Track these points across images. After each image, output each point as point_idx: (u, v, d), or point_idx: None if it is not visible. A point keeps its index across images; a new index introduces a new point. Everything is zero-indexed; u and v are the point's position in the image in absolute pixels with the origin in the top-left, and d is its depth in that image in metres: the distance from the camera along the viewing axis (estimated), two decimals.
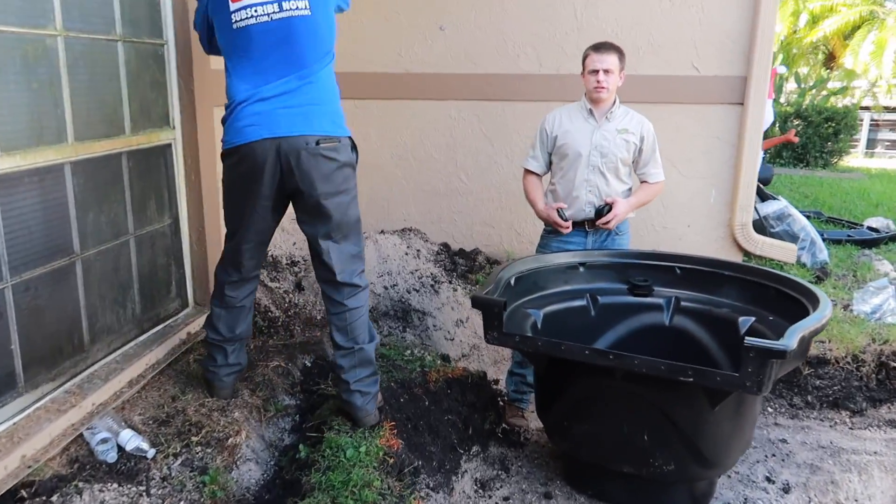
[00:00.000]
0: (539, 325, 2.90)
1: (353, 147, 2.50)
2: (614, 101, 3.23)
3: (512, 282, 2.95)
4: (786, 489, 2.92)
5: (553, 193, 3.37)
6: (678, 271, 3.21)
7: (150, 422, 2.47)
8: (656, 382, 2.36)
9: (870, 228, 6.12)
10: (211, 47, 2.62)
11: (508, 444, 3.18)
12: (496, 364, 4.19)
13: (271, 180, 2.38)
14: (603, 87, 3.11)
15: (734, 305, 3.01)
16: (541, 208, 3.33)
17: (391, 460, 2.37)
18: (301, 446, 2.47)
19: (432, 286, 4.28)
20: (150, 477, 2.20)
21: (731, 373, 2.18)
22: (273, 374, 2.99)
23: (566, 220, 3.23)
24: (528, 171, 3.42)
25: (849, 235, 5.74)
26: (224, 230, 2.62)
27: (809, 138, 11.59)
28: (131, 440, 2.26)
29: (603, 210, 3.16)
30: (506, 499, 2.81)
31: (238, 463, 2.43)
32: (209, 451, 2.36)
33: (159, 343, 2.91)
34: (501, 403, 3.41)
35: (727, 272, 3.09)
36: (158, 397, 2.65)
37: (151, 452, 2.27)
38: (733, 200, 4.46)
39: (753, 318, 2.86)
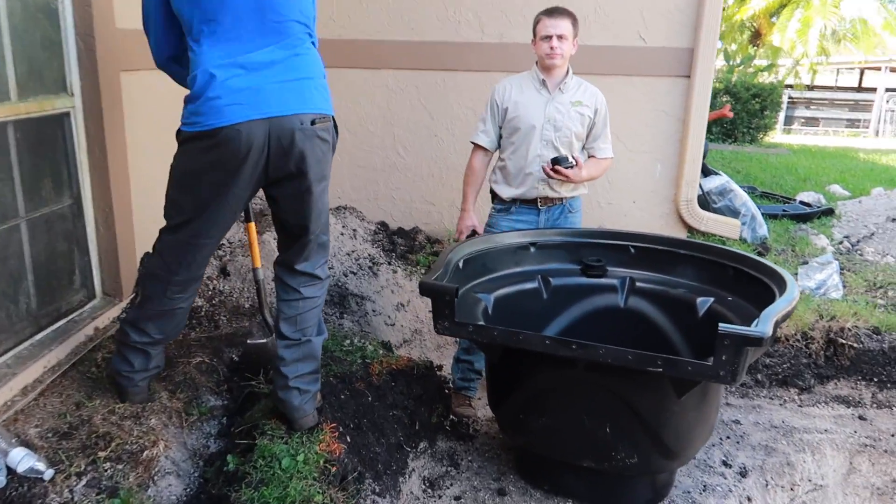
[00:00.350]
0: (490, 311, 2.70)
1: (335, 126, 2.22)
2: (567, 71, 3.02)
3: (460, 264, 2.72)
4: (743, 473, 2.84)
5: (502, 171, 3.16)
6: (632, 250, 3.05)
7: (49, 435, 2.13)
8: (620, 372, 2.19)
9: (802, 203, 6.21)
10: (164, 41, 2.18)
11: (457, 437, 2.98)
12: (439, 349, 3.97)
13: (254, 168, 2.03)
14: (557, 54, 2.89)
15: (691, 286, 2.88)
16: (467, 208, 3.16)
17: (333, 468, 2.12)
18: (229, 457, 2.18)
19: (370, 268, 4.01)
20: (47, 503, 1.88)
21: (704, 362, 2.03)
22: (196, 372, 2.67)
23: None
24: (477, 147, 3.18)
25: (784, 210, 5.79)
26: (158, 217, 2.22)
27: (738, 114, 11.81)
28: (24, 460, 1.92)
29: (564, 161, 2.95)
30: (457, 498, 2.61)
31: (155, 478, 2.12)
32: (120, 467, 2.04)
33: (60, 341, 2.54)
34: (447, 392, 3.20)
35: (683, 251, 2.95)
36: (60, 405, 2.30)
37: (49, 473, 1.93)
38: (679, 175, 4.37)
39: (712, 299, 2.74)
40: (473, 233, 3.15)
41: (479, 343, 2.47)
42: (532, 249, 3.05)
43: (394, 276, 4.04)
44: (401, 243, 4.42)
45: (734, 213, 4.87)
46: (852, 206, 6.15)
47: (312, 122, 2.05)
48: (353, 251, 3.99)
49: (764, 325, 2.00)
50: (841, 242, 4.90)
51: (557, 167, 2.93)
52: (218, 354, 2.84)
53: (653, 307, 2.92)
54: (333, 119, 2.18)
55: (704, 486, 2.72)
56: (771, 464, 2.91)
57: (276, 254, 2.34)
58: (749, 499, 2.72)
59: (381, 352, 3.03)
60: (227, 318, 3.19)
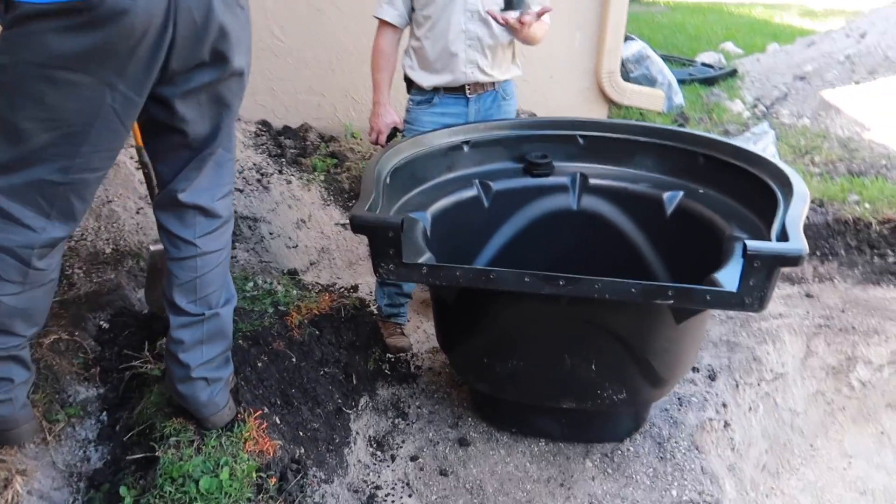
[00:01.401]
0: (429, 233, 2.18)
1: None
2: None
3: (388, 179, 2.15)
4: (712, 376, 2.62)
5: (418, 53, 2.52)
6: (581, 141, 2.59)
7: None
8: (614, 305, 1.79)
9: (704, 64, 5.98)
10: None
11: (399, 381, 2.52)
12: (351, 267, 3.43)
13: (150, 58, 1.35)
14: None
15: (653, 178, 2.48)
16: (381, 100, 2.53)
17: (271, 478, 1.61)
18: (123, 489, 1.59)
19: (259, 181, 3.33)
20: None
21: (725, 290, 1.64)
22: (53, 355, 1.99)
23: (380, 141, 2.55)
24: (382, 24, 2.51)
25: (690, 74, 5.52)
26: None
27: None
28: None
29: (521, 4, 2.36)
30: (413, 458, 2.20)
31: None
32: None
33: None
34: (380, 328, 2.71)
35: (642, 138, 2.52)
36: None
37: None
38: (601, 44, 3.89)
39: (681, 193, 2.36)
40: (394, 131, 2.56)
41: (435, 285, 1.95)
42: (466, 149, 2.51)
43: (288, 187, 3.39)
44: (290, 145, 3.71)
45: (651, 81, 4.51)
46: (751, 64, 6.00)
47: None
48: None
49: (796, 238, 1.62)
50: (755, 106, 4.71)
51: (507, 15, 2.34)
52: (79, 324, 2.16)
53: (611, 207, 2.51)
54: None
55: (679, 399, 2.47)
56: (737, 361, 2.71)
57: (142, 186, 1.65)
58: (724, 405, 2.51)
59: (294, 292, 2.45)
60: (83, 272, 2.46)
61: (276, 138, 3.73)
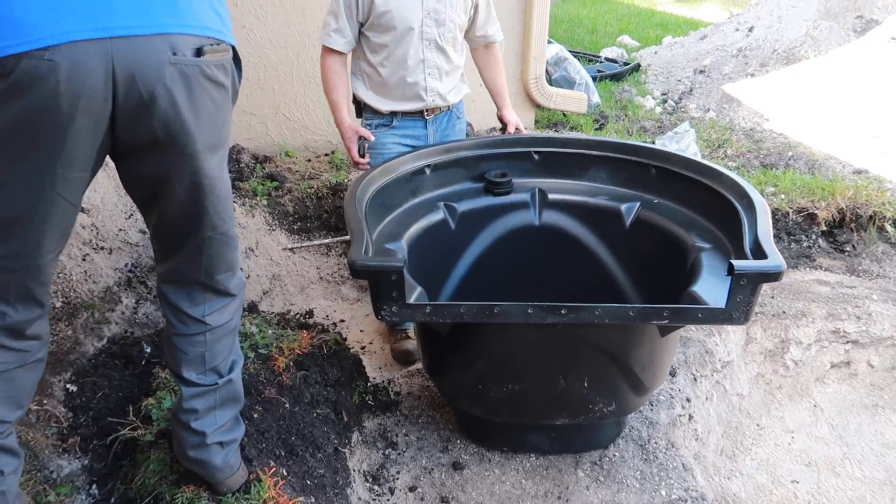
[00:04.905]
0: (407, 262, 2.18)
1: (238, 61, 1.41)
2: None
3: (366, 213, 2.14)
4: (673, 373, 2.77)
5: (371, 77, 2.51)
6: (536, 157, 2.67)
7: None
8: (610, 326, 1.87)
9: (609, 59, 6.24)
10: None
11: (382, 410, 2.52)
12: (304, 291, 3.38)
13: (90, 131, 1.21)
14: None
15: (610, 190, 2.60)
16: (346, 119, 2.49)
17: None
18: None
19: None
20: None
21: (715, 307, 1.76)
22: (24, 429, 1.86)
23: (363, 157, 2.51)
24: (328, 51, 2.46)
25: (599, 71, 5.75)
26: None
27: None
28: None
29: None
30: (412, 488, 2.21)
31: None
32: None
33: None
34: (360, 360, 2.68)
35: (595, 152, 2.63)
36: None
37: None
38: (526, 50, 3.98)
39: (638, 204, 2.49)
40: (362, 142, 2.50)
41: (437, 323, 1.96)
42: (428, 172, 2.52)
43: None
44: None
45: (570, 83, 4.67)
46: (651, 57, 6.32)
47: (198, 53, 1.26)
48: None
49: (774, 255, 1.76)
50: (665, 102, 4.98)
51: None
52: (45, 391, 2.02)
53: (572, 220, 2.60)
54: (234, 50, 1.39)
55: (650, 400, 2.62)
56: (692, 355, 2.89)
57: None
58: (688, 399, 2.68)
59: (270, 332, 2.39)
60: None
61: None
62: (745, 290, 1.71)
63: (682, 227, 2.31)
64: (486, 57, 2.66)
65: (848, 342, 3.21)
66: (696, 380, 2.80)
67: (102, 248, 2.59)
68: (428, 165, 2.51)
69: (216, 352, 1.56)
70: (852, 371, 3.25)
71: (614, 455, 2.32)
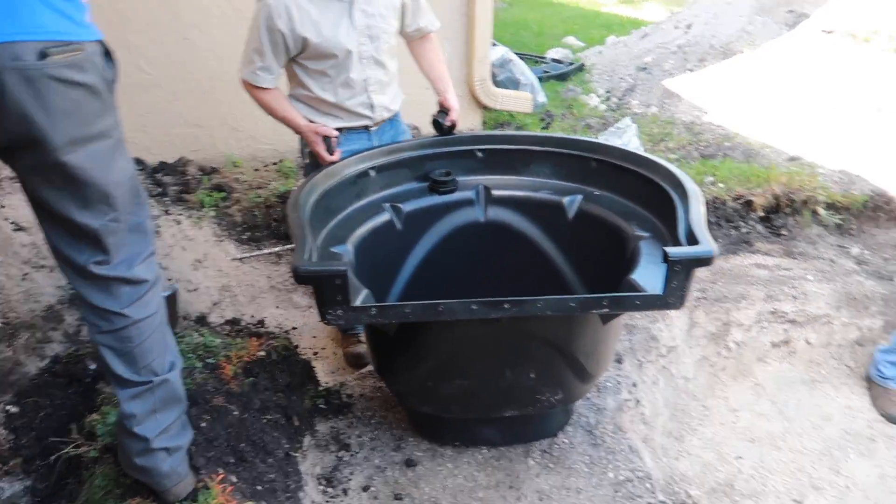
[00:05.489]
0: (354, 264, 2.21)
1: (108, 54, 1.45)
2: None
3: (309, 217, 2.15)
4: (619, 360, 2.85)
5: (312, 101, 2.46)
6: (480, 154, 2.71)
7: None
8: (554, 317, 1.93)
9: (555, 60, 6.35)
10: None
11: (335, 413, 2.53)
12: (254, 301, 3.36)
13: None
14: None
15: (552, 185, 2.65)
16: (304, 125, 2.45)
17: None
18: None
19: None
20: None
21: (652, 293, 1.81)
22: None
23: (333, 153, 2.48)
24: (259, 89, 2.41)
25: (545, 71, 5.86)
26: None
27: None
28: None
29: (443, 122, 2.58)
30: (365, 488, 2.24)
31: None
32: None
33: None
34: (311, 364, 2.69)
35: (537, 147, 2.69)
36: None
37: None
38: (471, 54, 4.05)
39: (580, 197, 2.55)
40: (328, 141, 2.47)
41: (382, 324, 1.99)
42: (372, 174, 2.55)
43: (179, 227, 3.25)
44: (170, 182, 3.54)
45: (515, 83, 4.75)
46: (595, 57, 6.45)
47: (43, 56, 1.29)
48: None
49: (705, 241, 1.82)
50: (608, 99, 5.10)
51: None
52: None
53: (516, 215, 2.66)
54: (104, 45, 1.44)
55: (597, 387, 2.69)
56: (637, 342, 2.97)
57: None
58: (634, 384, 2.76)
59: (218, 341, 2.38)
60: None
61: (153, 176, 3.54)
62: (679, 275, 1.77)
63: (622, 217, 2.38)
64: (421, 47, 2.66)
65: (786, 322, 3.33)
66: (641, 365, 2.88)
67: (43, 267, 2.55)
68: (372, 167, 2.54)
69: (147, 349, 1.57)
70: (791, 349, 3.38)
71: (563, 442, 2.38)
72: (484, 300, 1.78)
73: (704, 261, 1.78)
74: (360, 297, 1.87)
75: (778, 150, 4.24)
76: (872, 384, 3.16)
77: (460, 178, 2.65)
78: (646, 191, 2.38)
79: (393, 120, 2.68)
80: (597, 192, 2.54)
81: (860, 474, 2.80)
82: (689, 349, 3.24)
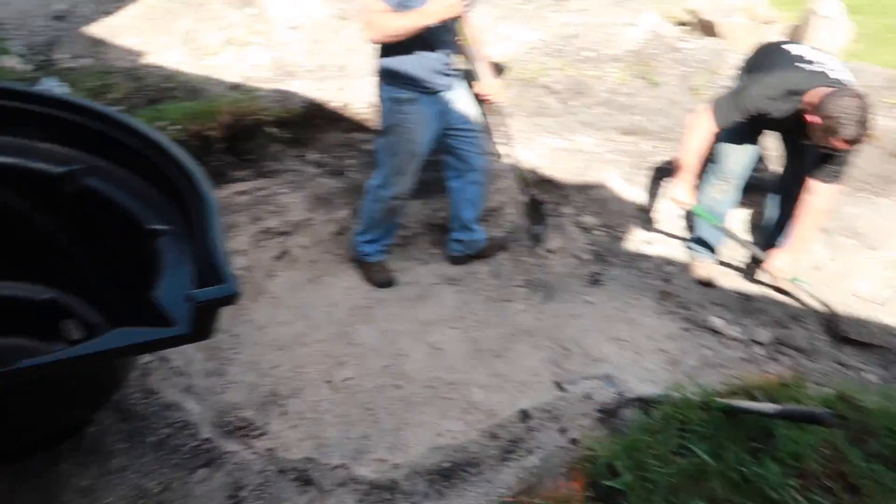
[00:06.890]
0: None
1: None
2: None
3: None
4: None
5: None
6: None
7: None
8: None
9: None
10: None
11: None
12: None
13: None
14: None
15: (54, 154, 2.18)
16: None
17: None
18: None
19: None
20: None
21: (181, 334, 1.66)
22: None
23: None
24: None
25: None
26: None
27: None
28: None
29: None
30: None
31: None
32: None
33: None
34: None
35: (29, 105, 2.18)
36: None
37: None
38: None
39: (78, 167, 2.15)
40: None
41: None
42: None
43: None
44: None
45: None
46: (3, 10, 5.51)
47: None
48: None
49: (232, 280, 1.69)
50: (31, 57, 4.49)
51: None
52: None
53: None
54: None
55: None
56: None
57: None
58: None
59: None
60: None
61: None
62: (204, 315, 1.68)
63: (130, 196, 2.12)
64: None
65: (278, 235, 3.64)
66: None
67: None
68: None
69: None
70: (292, 257, 3.69)
71: (92, 430, 2.20)
72: None
73: (228, 300, 1.67)
74: None
75: (218, 82, 4.42)
76: (360, 262, 3.71)
77: None
78: (156, 173, 2.13)
79: None
80: (103, 164, 2.19)
81: (368, 338, 3.31)
82: None
